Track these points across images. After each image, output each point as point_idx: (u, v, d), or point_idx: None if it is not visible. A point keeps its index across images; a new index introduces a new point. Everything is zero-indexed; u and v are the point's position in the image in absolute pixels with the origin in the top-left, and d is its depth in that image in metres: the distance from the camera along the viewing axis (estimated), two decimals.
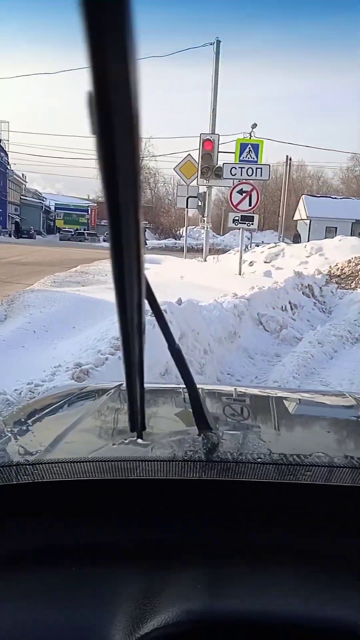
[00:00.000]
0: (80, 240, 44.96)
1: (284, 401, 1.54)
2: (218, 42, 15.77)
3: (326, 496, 0.76)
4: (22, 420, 1.23)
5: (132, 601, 0.64)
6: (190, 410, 1.40)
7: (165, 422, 1.24)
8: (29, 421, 1.21)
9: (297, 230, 39.46)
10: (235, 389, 1.81)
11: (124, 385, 1.52)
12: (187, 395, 1.56)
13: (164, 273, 12.57)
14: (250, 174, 11.82)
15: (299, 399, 1.64)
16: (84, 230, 50.00)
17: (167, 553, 0.73)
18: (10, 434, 1.08)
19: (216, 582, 0.67)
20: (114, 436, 1.11)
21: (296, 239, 34.43)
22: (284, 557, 0.72)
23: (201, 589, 0.65)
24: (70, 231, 48.16)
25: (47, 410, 1.29)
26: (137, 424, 0.78)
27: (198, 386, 1.88)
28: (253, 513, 0.76)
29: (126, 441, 1.07)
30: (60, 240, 45.77)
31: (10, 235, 44.48)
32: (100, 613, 0.63)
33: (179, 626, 0.60)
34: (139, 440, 1.07)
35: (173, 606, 0.62)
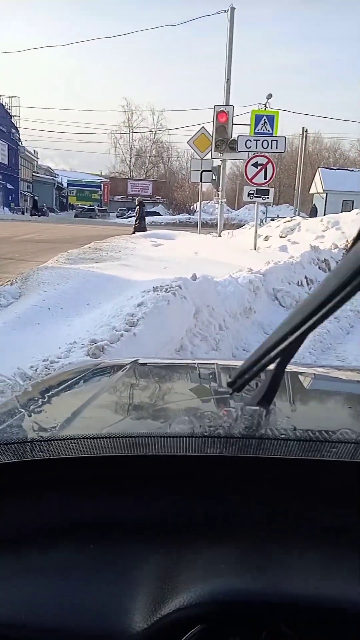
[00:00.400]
0: (91, 217, 44.70)
1: (302, 377, 1.51)
2: (232, 9, 15.28)
3: (352, 473, 0.74)
4: (37, 396, 1.22)
5: (153, 580, 0.63)
6: (207, 385, 1.38)
7: (182, 398, 1.23)
8: (44, 397, 1.20)
9: (314, 204, 38.79)
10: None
11: (140, 360, 1.52)
12: (202, 370, 1.55)
13: (177, 249, 12.48)
14: (265, 147, 11.58)
15: (317, 375, 1.61)
16: (97, 206, 49.68)
17: (188, 531, 0.71)
18: (25, 411, 1.07)
19: (240, 561, 0.66)
20: (130, 412, 1.10)
21: (313, 212, 33.84)
22: (309, 534, 0.70)
23: (224, 568, 0.63)
24: (92, 208, 47.96)
25: (62, 387, 1.28)
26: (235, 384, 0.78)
27: (213, 361, 1.86)
28: (276, 490, 0.74)
29: (143, 417, 1.06)
30: (75, 217, 45.58)
31: (23, 213, 44.44)
32: (120, 592, 0.62)
33: (201, 607, 0.58)
34: (157, 413, 1.05)
35: (195, 586, 0.60)
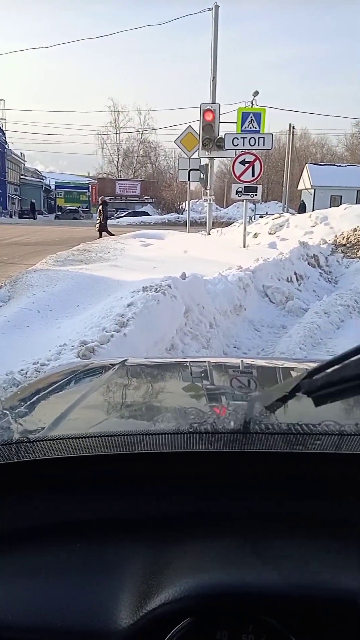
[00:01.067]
0: (75, 218, 44.18)
1: (290, 371, 1.51)
2: (217, 7, 15.28)
3: (337, 464, 0.75)
4: (26, 398, 1.21)
5: (139, 576, 0.63)
6: (196, 383, 1.39)
7: (169, 396, 1.23)
8: (32, 399, 1.20)
9: (302, 200, 38.95)
10: (242, 360, 1.80)
11: (129, 360, 1.51)
12: (193, 368, 1.55)
13: (167, 248, 12.47)
14: (252, 144, 11.59)
15: (305, 369, 1.61)
16: (84, 207, 49.43)
17: (173, 527, 0.71)
18: (12, 413, 1.06)
19: (225, 554, 0.66)
20: (118, 411, 1.10)
21: (301, 208, 33.97)
22: (294, 526, 0.70)
23: (209, 562, 0.64)
24: (74, 209, 47.66)
25: (51, 388, 1.28)
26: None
27: (204, 359, 1.87)
28: (262, 484, 0.75)
29: (130, 416, 1.06)
30: (56, 219, 44.70)
31: (11, 216, 44.12)
32: (106, 589, 0.62)
33: (186, 601, 0.58)
34: (144, 411, 1.05)
35: (180, 581, 0.60)
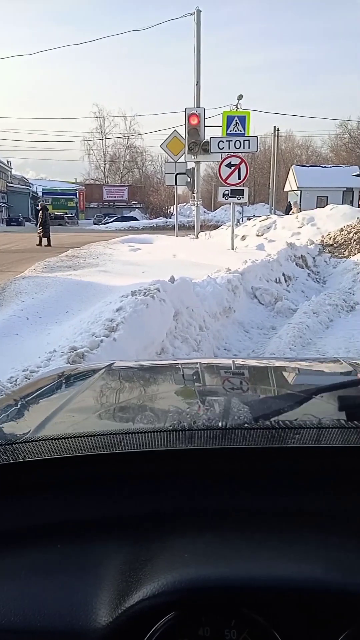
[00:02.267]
0: (61, 225, 43.69)
1: (277, 370, 1.53)
2: (198, 12, 15.37)
3: (317, 458, 0.75)
4: (12, 403, 1.21)
5: (119, 574, 0.63)
6: (181, 384, 1.39)
7: (155, 396, 1.24)
8: (19, 404, 1.20)
9: (289, 202, 39.18)
10: (233, 361, 1.81)
11: (116, 363, 1.52)
12: (179, 370, 1.56)
13: (156, 252, 12.48)
14: (238, 147, 11.67)
15: (293, 367, 1.63)
16: (71, 214, 49.14)
17: (154, 524, 0.72)
18: None
19: (204, 549, 0.66)
20: (103, 413, 1.10)
21: (288, 209, 34.16)
22: (273, 520, 0.71)
23: (188, 557, 0.64)
24: (60, 215, 47.33)
25: (37, 393, 1.29)
26: None
27: (194, 360, 1.88)
28: (241, 479, 0.75)
29: (114, 417, 1.06)
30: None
31: (2, 223, 43.77)
32: (86, 588, 0.63)
33: (164, 597, 0.59)
34: (127, 412, 1.05)
35: (158, 577, 0.61)
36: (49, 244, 18.73)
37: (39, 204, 21.50)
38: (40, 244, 18.73)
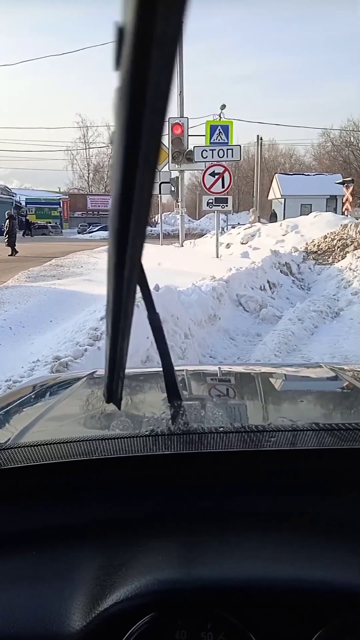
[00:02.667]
0: (45, 234, 43.27)
1: (259, 376, 1.53)
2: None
3: (292, 460, 0.76)
4: None
5: (93, 579, 0.63)
6: (162, 391, 1.38)
7: (134, 403, 1.24)
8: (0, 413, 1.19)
9: (273, 210, 39.52)
10: (219, 367, 1.82)
11: (97, 372, 1.50)
12: (160, 377, 1.54)
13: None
14: (221, 156, 11.76)
15: (274, 373, 1.63)
16: (54, 224, 48.95)
17: (129, 529, 0.72)
18: None
19: (178, 552, 0.67)
20: (82, 420, 1.09)
21: (272, 218, 34.44)
22: (248, 522, 0.71)
23: (162, 560, 0.64)
24: (43, 225, 47.03)
25: (18, 402, 1.28)
26: (114, 395, 0.75)
27: (180, 368, 1.89)
28: (216, 482, 0.76)
29: (92, 424, 1.06)
30: (23, 235, 43.31)
31: None
32: (60, 594, 0.62)
33: (137, 599, 0.58)
34: (105, 419, 1.05)
35: (133, 580, 0.60)
36: (12, 254, 18.76)
37: (7, 213, 21.65)
38: (12, 254, 18.75)
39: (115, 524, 0.73)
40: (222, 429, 0.77)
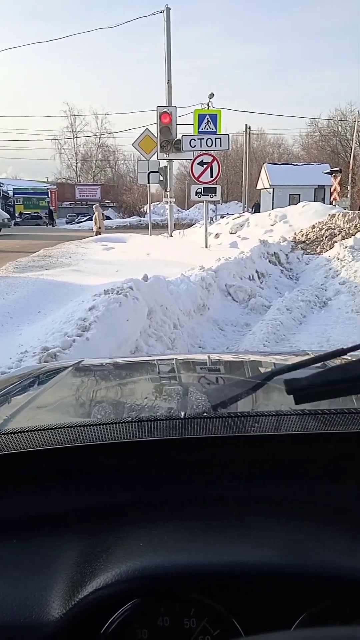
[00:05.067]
0: (38, 224, 42.65)
1: (245, 363, 1.54)
2: (168, 9, 15.34)
3: (276, 445, 0.76)
4: None
5: (74, 567, 0.63)
6: (147, 379, 1.39)
7: (119, 391, 1.25)
8: None
9: (257, 200, 39.51)
10: (208, 356, 1.84)
11: (84, 362, 1.50)
12: (147, 366, 1.55)
13: (129, 251, 12.41)
14: (209, 145, 11.69)
15: (262, 361, 1.64)
16: (45, 214, 48.54)
17: (111, 516, 0.71)
18: None
19: (160, 538, 0.66)
20: (66, 409, 1.10)
21: (256, 208, 34.43)
22: (231, 508, 0.71)
23: (143, 547, 0.64)
24: (37, 215, 46.52)
25: (3, 391, 1.28)
26: None
27: (164, 357, 1.88)
28: (200, 468, 0.76)
29: (76, 412, 1.06)
30: (15, 226, 42.28)
31: None
32: (40, 582, 0.62)
33: (118, 586, 0.58)
34: (90, 407, 1.05)
35: (113, 567, 0.60)
36: None
37: None
38: None
39: (97, 511, 0.72)
40: (205, 414, 0.78)
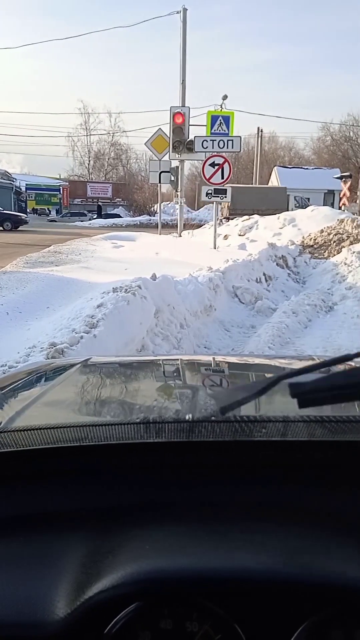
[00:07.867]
0: (55, 221, 43.06)
1: (251, 366, 1.55)
2: (185, 10, 15.41)
3: (283, 451, 0.76)
4: None
5: (80, 567, 0.64)
6: (155, 380, 1.41)
7: (127, 391, 1.25)
8: None
9: None
10: (213, 358, 1.83)
11: (92, 359, 1.52)
12: (154, 366, 1.57)
13: (138, 250, 12.48)
14: (221, 147, 11.73)
15: (268, 364, 1.65)
16: (56, 210, 48.80)
17: (117, 517, 0.72)
18: None
19: (165, 541, 0.67)
20: (74, 407, 1.10)
21: None
22: (236, 512, 0.71)
23: (149, 549, 0.64)
24: (48, 210, 46.70)
25: (11, 387, 1.28)
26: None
27: (171, 357, 1.90)
28: (206, 472, 0.76)
29: (84, 411, 1.06)
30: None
31: None
32: (45, 581, 0.63)
33: (123, 588, 0.59)
34: (98, 406, 1.06)
35: (119, 569, 0.61)
36: None
37: None
38: None
39: (103, 512, 0.73)
40: (213, 418, 0.77)
